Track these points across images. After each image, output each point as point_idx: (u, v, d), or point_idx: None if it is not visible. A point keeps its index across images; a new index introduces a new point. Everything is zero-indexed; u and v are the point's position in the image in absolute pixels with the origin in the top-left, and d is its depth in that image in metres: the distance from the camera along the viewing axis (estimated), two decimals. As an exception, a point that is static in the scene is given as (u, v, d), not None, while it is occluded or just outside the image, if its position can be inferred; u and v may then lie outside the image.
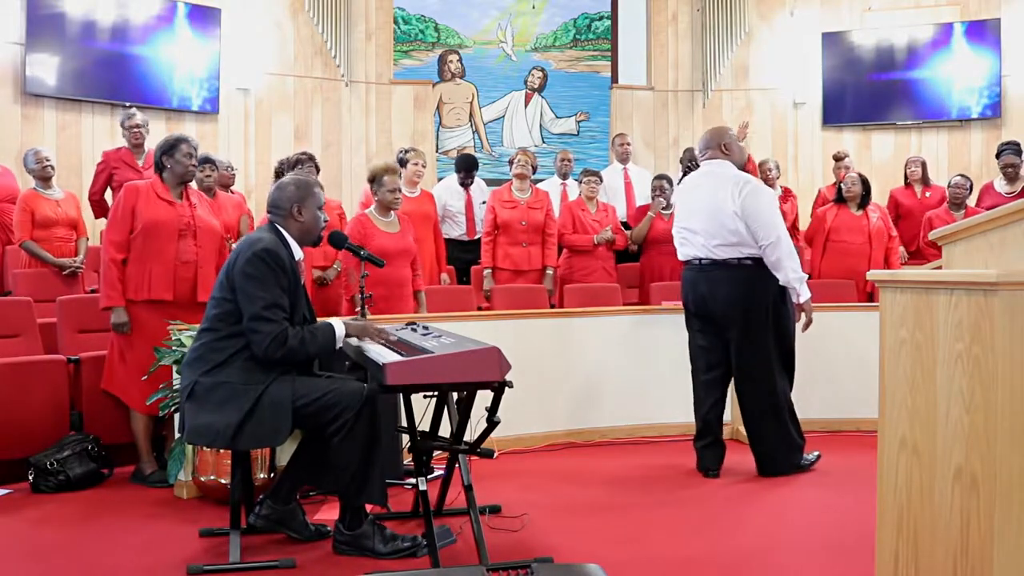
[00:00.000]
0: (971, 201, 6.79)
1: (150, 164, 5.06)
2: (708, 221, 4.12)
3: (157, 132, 6.18)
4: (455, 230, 6.79)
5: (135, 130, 5.84)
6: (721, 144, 4.24)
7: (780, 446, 4.19)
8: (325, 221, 3.29)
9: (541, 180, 7.50)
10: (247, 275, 2.98)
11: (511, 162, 6.39)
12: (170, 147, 4.13)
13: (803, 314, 4.08)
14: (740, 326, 4.12)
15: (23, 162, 5.84)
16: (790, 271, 4.00)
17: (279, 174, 5.17)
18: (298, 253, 3.18)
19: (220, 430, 2.93)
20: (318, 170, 5.32)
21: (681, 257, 4.33)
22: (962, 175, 6.81)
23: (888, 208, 6.96)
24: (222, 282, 3.07)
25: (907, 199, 7.22)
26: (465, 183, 6.85)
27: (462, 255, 6.67)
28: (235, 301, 3.00)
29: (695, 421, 4.33)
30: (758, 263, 4.06)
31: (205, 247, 4.19)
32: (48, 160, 5.71)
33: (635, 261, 6.66)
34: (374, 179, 4.87)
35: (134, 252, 4.06)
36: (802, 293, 4.03)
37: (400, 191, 4.94)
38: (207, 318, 3.09)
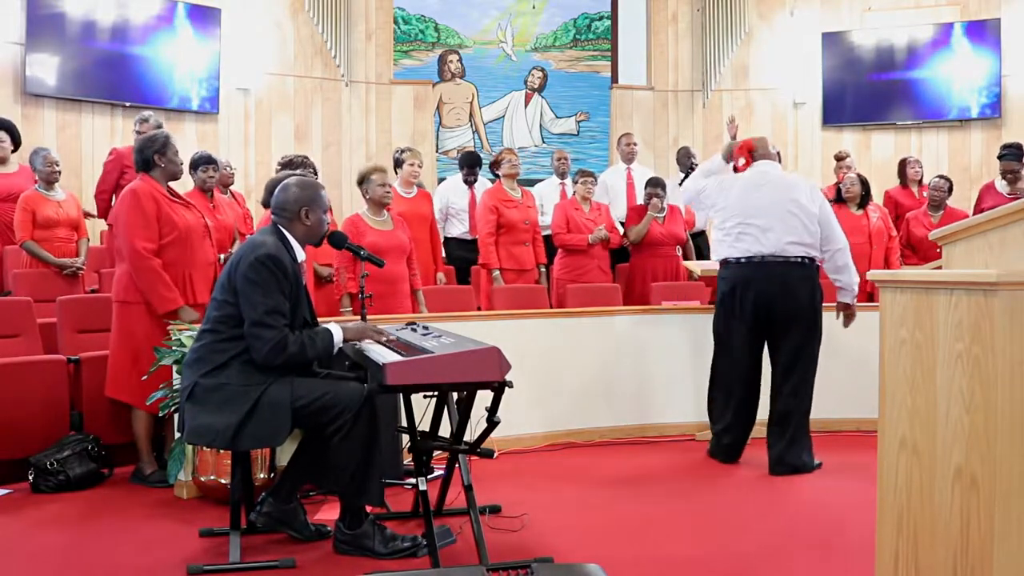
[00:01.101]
0: (951, 201, 6.73)
1: None
2: (785, 218, 4.14)
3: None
4: (458, 228, 6.77)
5: (139, 134, 5.82)
6: (776, 152, 4.47)
7: (803, 446, 4.21)
8: (328, 224, 3.29)
9: (540, 180, 7.51)
10: (249, 280, 2.98)
11: (496, 162, 6.36)
12: (162, 146, 4.10)
13: (849, 315, 4.31)
14: (805, 323, 4.16)
15: (29, 162, 5.83)
16: (855, 275, 4.24)
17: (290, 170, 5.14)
18: (300, 255, 3.18)
19: (220, 430, 2.94)
20: (316, 173, 5.32)
21: (736, 253, 4.24)
22: (941, 176, 6.76)
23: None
24: (224, 284, 3.07)
25: (906, 199, 7.21)
26: (468, 180, 6.83)
27: (464, 254, 6.63)
28: (237, 304, 3.00)
29: (716, 411, 4.35)
30: (812, 263, 4.19)
31: (219, 248, 4.24)
32: (57, 165, 5.69)
33: (623, 262, 6.65)
34: (363, 181, 4.92)
35: (167, 256, 4.02)
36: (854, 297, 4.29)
37: (389, 186, 4.94)
38: (208, 319, 3.09)
